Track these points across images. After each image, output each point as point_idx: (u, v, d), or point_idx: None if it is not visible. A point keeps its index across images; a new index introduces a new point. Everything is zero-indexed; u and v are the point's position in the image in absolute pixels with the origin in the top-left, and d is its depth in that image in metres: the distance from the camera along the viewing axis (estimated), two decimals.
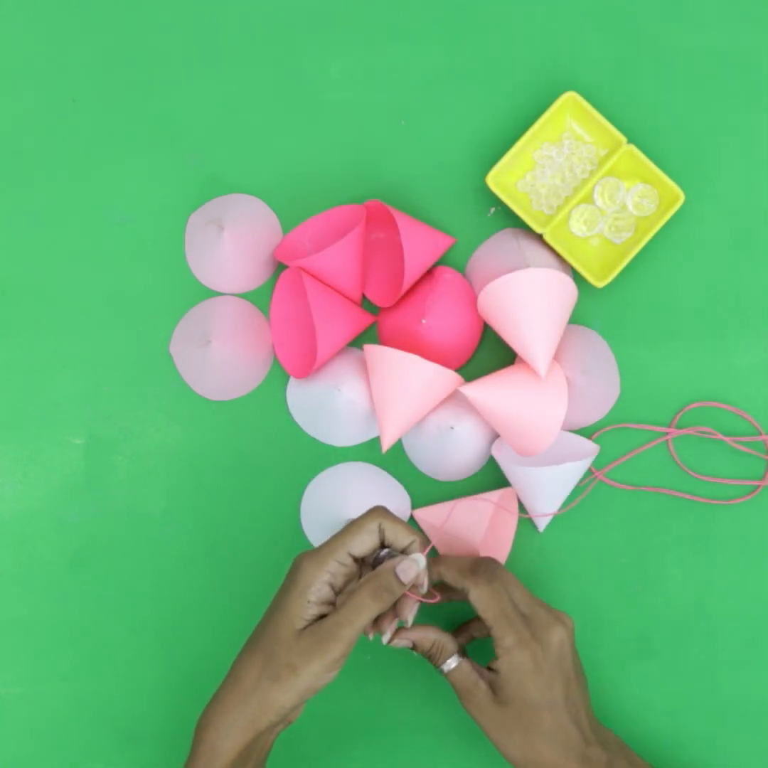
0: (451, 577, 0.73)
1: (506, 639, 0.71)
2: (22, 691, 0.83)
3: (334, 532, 0.81)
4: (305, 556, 0.68)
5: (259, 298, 0.84)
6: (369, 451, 0.83)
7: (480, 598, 0.71)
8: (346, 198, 0.83)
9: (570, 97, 0.80)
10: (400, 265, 0.82)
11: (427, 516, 0.81)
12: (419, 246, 0.79)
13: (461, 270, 0.83)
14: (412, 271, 0.79)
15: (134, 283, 0.84)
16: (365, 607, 0.66)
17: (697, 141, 0.84)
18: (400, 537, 0.68)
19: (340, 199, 0.83)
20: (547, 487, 0.78)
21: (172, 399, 0.84)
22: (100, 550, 0.83)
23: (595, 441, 0.82)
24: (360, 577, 0.70)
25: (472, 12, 0.84)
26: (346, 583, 0.69)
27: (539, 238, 0.81)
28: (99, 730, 0.83)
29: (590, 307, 0.83)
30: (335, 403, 0.81)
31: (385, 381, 0.78)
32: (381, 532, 0.68)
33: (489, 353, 0.83)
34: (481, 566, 0.74)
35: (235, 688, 0.67)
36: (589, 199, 0.82)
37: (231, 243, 0.81)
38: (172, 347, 0.83)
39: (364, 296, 0.84)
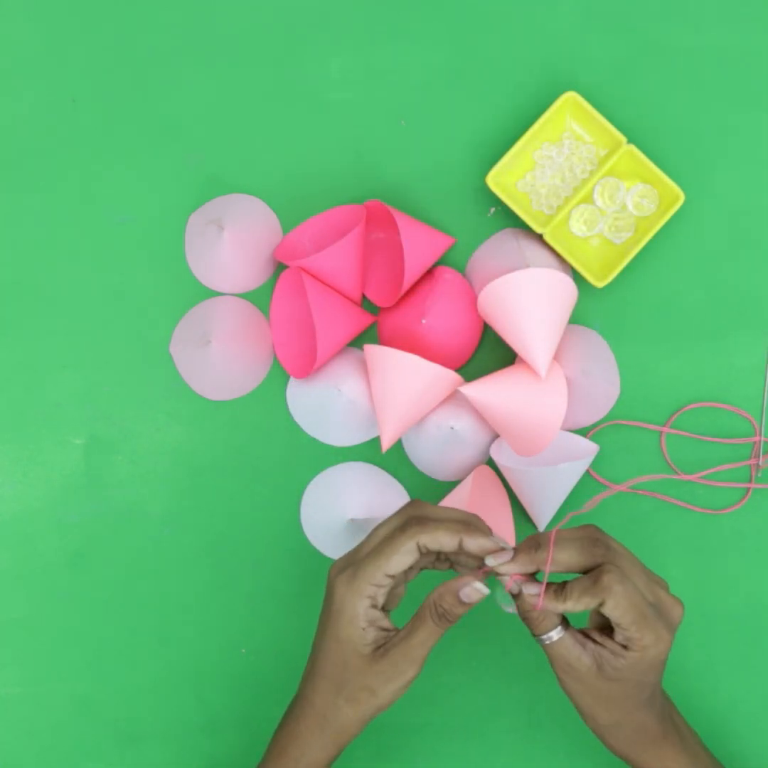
0: (574, 598, 0.64)
1: (645, 639, 0.64)
2: (22, 691, 0.83)
3: (333, 534, 0.82)
4: (340, 581, 0.65)
5: (259, 298, 0.84)
6: (369, 451, 0.83)
7: (617, 605, 0.63)
8: (346, 198, 0.83)
9: (570, 97, 0.80)
10: (400, 265, 0.82)
11: None
12: (419, 246, 0.79)
13: (461, 270, 0.83)
14: (412, 271, 0.79)
15: (134, 283, 0.84)
16: (430, 630, 0.65)
17: (697, 141, 0.84)
18: (445, 544, 0.64)
19: (340, 199, 0.83)
20: (547, 486, 0.78)
21: (172, 399, 0.84)
22: (100, 550, 0.83)
23: (592, 439, 0.82)
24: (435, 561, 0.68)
25: (472, 12, 0.84)
26: (398, 593, 0.68)
27: (539, 238, 0.81)
28: (99, 730, 0.83)
29: (590, 307, 0.83)
30: (335, 403, 0.81)
31: (385, 381, 0.78)
32: (422, 548, 0.65)
33: (489, 353, 0.83)
34: (599, 563, 0.65)
35: (312, 711, 0.67)
36: (589, 199, 0.82)
37: (231, 243, 0.81)
38: (172, 347, 0.83)
39: (364, 296, 0.84)
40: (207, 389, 0.83)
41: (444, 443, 0.81)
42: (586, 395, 0.80)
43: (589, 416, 0.82)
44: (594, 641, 0.66)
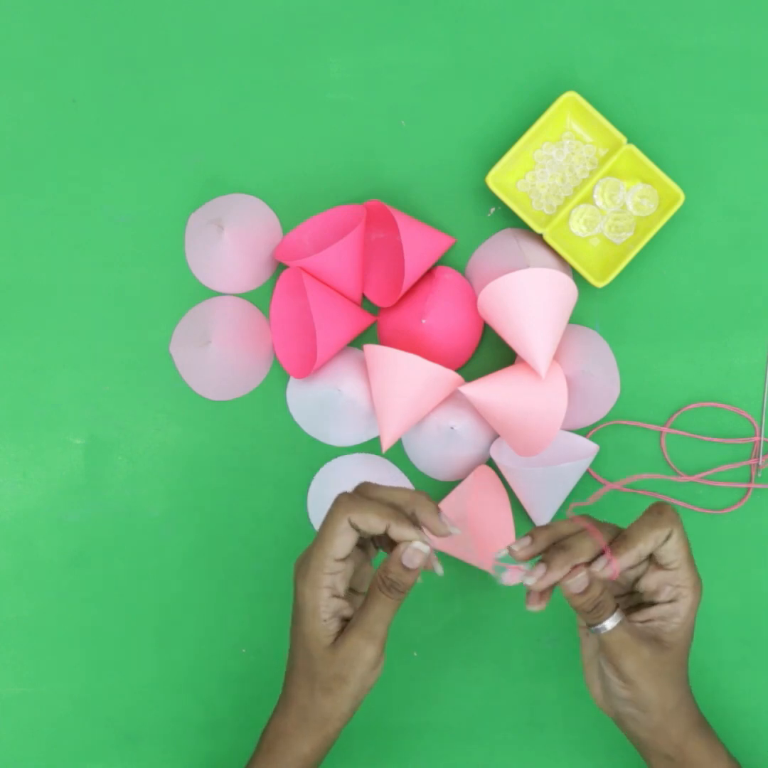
0: (643, 537, 0.66)
1: (694, 577, 0.68)
2: (23, 691, 0.83)
3: None
4: (298, 575, 0.67)
5: (259, 298, 0.84)
6: (369, 451, 0.83)
7: (681, 537, 0.66)
8: (346, 198, 0.83)
9: (570, 97, 0.80)
10: (400, 265, 0.82)
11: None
12: (419, 246, 0.79)
13: (461, 270, 0.83)
14: (412, 271, 0.79)
15: (134, 283, 0.84)
16: (383, 603, 0.66)
17: (697, 141, 0.84)
18: (373, 526, 0.65)
19: (340, 199, 0.83)
20: (547, 486, 0.78)
21: (172, 399, 0.84)
22: (100, 550, 0.83)
23: (591, 439, 0.82)
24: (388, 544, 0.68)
25: (472, 12, 0.84)
26: (359, 575, 0.69)
27: (539, 238, 0.81)
28: (99, 730, 0.83)
29: (590, 307, 0.83)
30: (335, 403, 0.81)
31: (385, 381, 0.78)
32: (355, 527, 0.65)
33: (489, 353, 0.83)
34: (655, 512, 0.68)
35: (293, 706, 0.68)
36: (589, 199, 0.82)
37: (231, 243, 0.81)
38: (172, 347, 0.83)
39: (364, 296, 0.84)
40: (207, 389, 0.83)
41: (444, 443, 0.81)
42: (586, 395, 0.80)
43: (589, 416, 0.82)
44: (643, 622, 0.68)
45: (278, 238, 0.83)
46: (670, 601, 0.68)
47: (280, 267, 0.84)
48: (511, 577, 0.66)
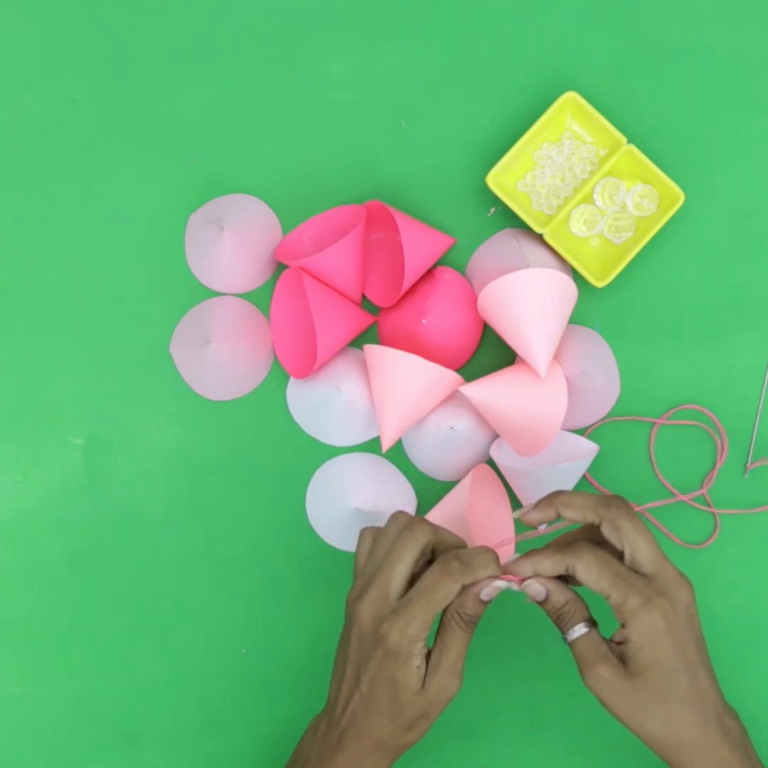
0: (544, 554, 0.67)
1: (629, 601, 0.64)
2: (23, 691, 0.83)
3: (339, 523, 0.81)
4: (392, 628, 0.65)
5: (259, 298, 0.84)
6: (369, 451, 0.83)
7: (588, 568, 0.65)
8: (346, 198, 0.83)
9: (570, 97, 0.80)
10: (400, 265, 0.82)
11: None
12: (419, 246, 0.79)
13: (461, 270, 0.83)
14: (412, 271, 0.79)
15: (134, 283, 0.84)
16: (461, 639, 0.67)
17: (697, 141, 0.84)
18: (482, 576, 0.66)
19: (340, 199, 0.83)
20: (547, 486, 0.78)
21: (172, 399, 0.84)
22: (100, 550, 0.83)
23: (591, 438, 0.82)
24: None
25: (472, 12, 0.84)
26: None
27: (539, 238, 0.81)
28: (99, 730, 0.83)
29: (590, 307, 0.83)
30: (335, 403, 0.81)
31: (385, 381, 0.78)
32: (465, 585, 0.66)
33: (489, 353, 0.83)
34: (571, 540, 0.69)
35: (368, 741, 0.68)
36: (589, 199, 0.82)
37: (231, 243, 0.81)
38: (172, 347, 0.83)
39: (364, 296, 0.84)
40: (207, 389, 0.83)
41: (444, 443, 0.81)
42: (586, 395, 0.80)
43: (589, 416, 0.82)
44: (613, 642, 0.67)
45: (278, 238, 0.83)
46: (621, 626, 0.65)
47: (280, 267, 0.84)
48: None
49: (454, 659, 0.66)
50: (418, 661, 0.66)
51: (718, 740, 0.66)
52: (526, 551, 0.68)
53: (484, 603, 0.67)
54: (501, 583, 0.67)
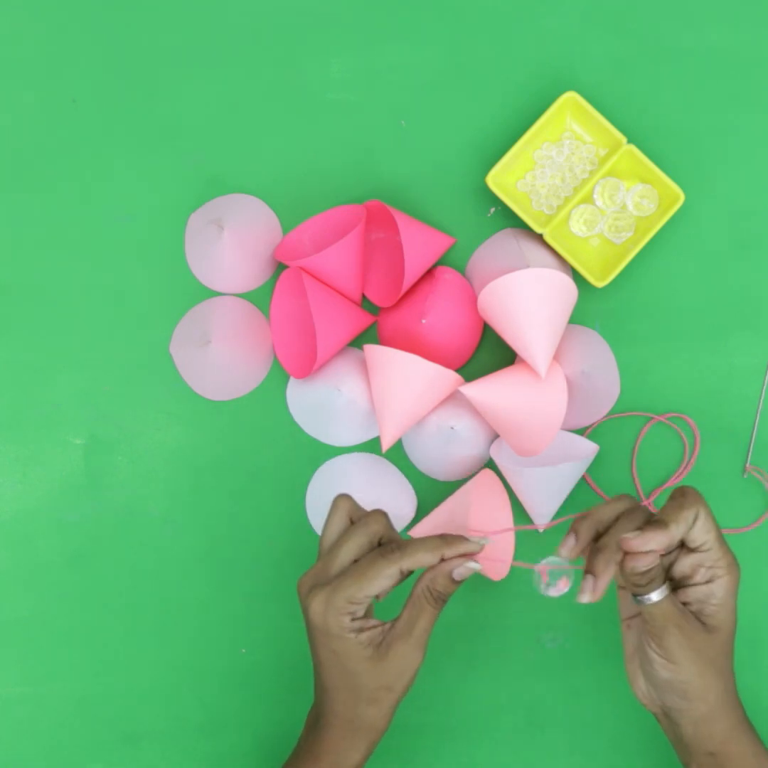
0: (673, 519, 0.65)
1: (726, 558, 0.67)
2: (23, 691, 0.83)
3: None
4: (315, 600, 0.66)
5: (259, 298, 0.84)
6: (369, 451, 0.83)
7: (708, 517, 0.65)
8: (346, 198, 0.83)
9: (570, 97, 0.80)
10: (400, 265, 0.82)
11: (422, 532, 0.81)
12: (419, 246, 0.79)
13: (461, 270, 0.83)
14: (412, 271, 0.79)
15: (134, 283, 0.84)
16: (428, 613, 0.67)
17: (697, 141, 0.84)
18: (426, 563, 0.66)
19: (340, 199, 0.83)
20: (547, 486, 0.78)
21: (172, 399, 0.84)
22: (100, 550, 0.83)
23: (590, 438, 0.82)
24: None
25: (471, 12, 0.84)
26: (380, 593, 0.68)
27: (539, 238, 0.81)
28: (99, 730, 0.83)
29: (590, 307, 0.83)
30: (335, 403, 0.81)
31: (385, 381, 0.78)
32: (404, 572, 0.66)
33: (489, 353, 0.83)
34: (679, 495, 0.67)
35: (336, 721, 0.68)
36: (589, 199, 0.82)
37: (231, 243, 0.81)
38: (172, 347, 0.83)
39: (364, 296, 0.84)
40: (207, 389, 0.83)
41: (444, 443, 0.81)
42: (586, 395, 0.80)
43: (589, 416, 0.82)
44: (683, 603, 0.67)
45: (278, 238, 0.83)
46: (706, 583, 0.67)
47: (280, 267, 0.84)
48: (558, 590, 0.67)
49: (419, 632, 0.67)
50: (352, 633, 0.66)
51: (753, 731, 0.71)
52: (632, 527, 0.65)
53: (456, 583, 0.67)
54: (474, 565, 0.67)
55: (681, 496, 0.66)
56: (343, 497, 0.71)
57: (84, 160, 0.84)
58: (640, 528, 0.64)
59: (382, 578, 0.66)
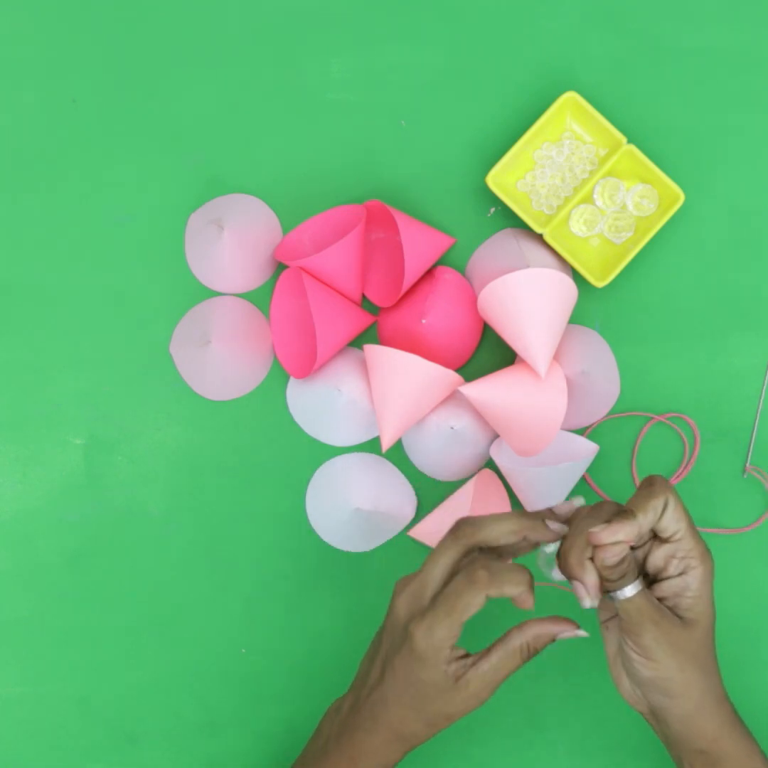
0: (641, 508, 0.64)
1: (699, 547, 0.66)
2: (23, 691, 0.83)
3: (339, 524, 0.81)
4: (418, 631, 0.65)
5: (259, 298, 0.84)
6: (369, 451, 0.83)
7: (678, 506, 0.65)
8: (346, 198, 0.83)
9: (570, 97, 0.80)
10: (400, 265, 0.82)
11: (422, 532, 0.81)
12: (419, 246, 0.79)
13: (461, 270, 0.83)
14: (412, 271, 0.79)
15: (134, 283, 0.84)
16: (517, 664, 0.67)
17: (697, 141, 0.84)
18: (509, 593, 0.66)
19: (340, 199, 0.83)
20: (547, 486, 0.78)
21: (172, 399, 0.84)
22: (100, 550, 0.83)
23: (590, 438, 0.82)
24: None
25: (472, 12, 0.84)
26: None
27: (539, 238, 0.81)
28: (99, 730, 0.83)
29: (590, 307, 0.83)
30: (335, 403, 0.81)
31: (385, 381, 0.78)
32: (487, 597, 0.65)
33: (489, 353, 0.83)
34: (648, 485, 0.66)
35: (386, 729, 0.68)
36: (589, 199, 0.82)
37: (231, 243, 0.81)
38: (172, 347, 0.83)
39: (364, 296, 0.84)
40: (207, 389, 0.83)
41: (444, 443, 0.81)
42: (586, 395, 0.80)
43: (589, 416, 0.82)
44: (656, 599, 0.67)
45: (278, 238, 0.83)
46: (680, 574, 0.66)
47: (280, 267, 0.84)
48: (558, 573, 0.67)
49: (500, 678, 0.66)
50: (444, 664, 0.65)
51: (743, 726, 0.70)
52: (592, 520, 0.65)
53: (553, 641, 0.67)
54: (582, 634, 0.67)
55: (648, 486, 0.65)
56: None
57: (84, 160, 0.84)
58: (608, 521, 0.64)
59: (473, 607, 0.65)
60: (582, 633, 0.67)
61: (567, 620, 0.66)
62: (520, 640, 0.66)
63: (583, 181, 0.82)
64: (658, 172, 0.80)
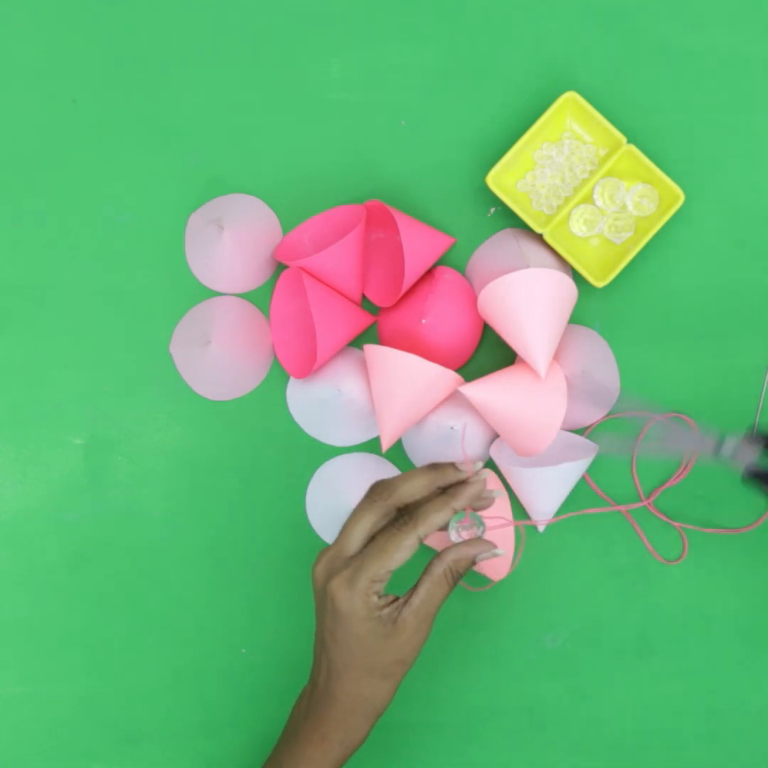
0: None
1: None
2: (23, 691, 0.83)
3: (341, 521, 0.82)
4: (338, 586, 0.67)
5: (259, 298, 0.84)
6: (369, 451, 0.83)
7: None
8: (346, 198, 0.83)
9: (570, 97, 0.80)
10: (400, 265, 0.82)
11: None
12: (419, 246, 0.79)
13: (461, 270, 0.83)
14: (412, 271, 0.79)
15: (134, 283, 0.84)
16: (444, 591, 0.69)
17: (697, 141, 0.84)
18: (441, 522, 0.68)
19: (340, 199, 0.83)
20: (547, 486, 0.78)
21: (172, 399, 0.84)
22: (100, 550, 0.83)
23: (589, 438, 0.82)
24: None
25: (471, 12, 0.84)
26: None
27: (539, 238, 0.81)
28: (99, 730, 0.83)
29: (590, 307, 0.83)
30: (335, 403, 0.81)
31: (385, 381, 0.78)
32: (418, 538, 0.68)
33: (489, 353, 0.83)
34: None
35: (346, 698, 0.69)
36: (589, 199, 0.82)
37: (231, 243, 0.81)
38: (172, 347, 0.83)
39: (364, 296, 0.84)
40: (207, 389, 0.83)
41: (444, 443, 0.81)
42: (586, 395, 0.80)
43: (589, 416, 0.82)
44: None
45: (278, 238, 0.83)
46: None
47: (280, 267, 0.84)
48: (465, 537, 0.71)
49: (433, 609, 0.68)
50: (376, 611, 0.67)
51: None
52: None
53: (475, 564, 0.70)
54: (499, 552, 0.69)
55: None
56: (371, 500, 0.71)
57: (84, 160, 0.84)
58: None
59: (403, 550, 0.67)
60: (499, 551, 0.70)
61: (483, 541, 0.69)
62: (442, 566, 0.69)
63: (583, 181, 0.82)
64: (658, 172, 0.80)
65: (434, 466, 0.70)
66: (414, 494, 0.69)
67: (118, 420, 0.84)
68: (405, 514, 0.69)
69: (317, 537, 0.83)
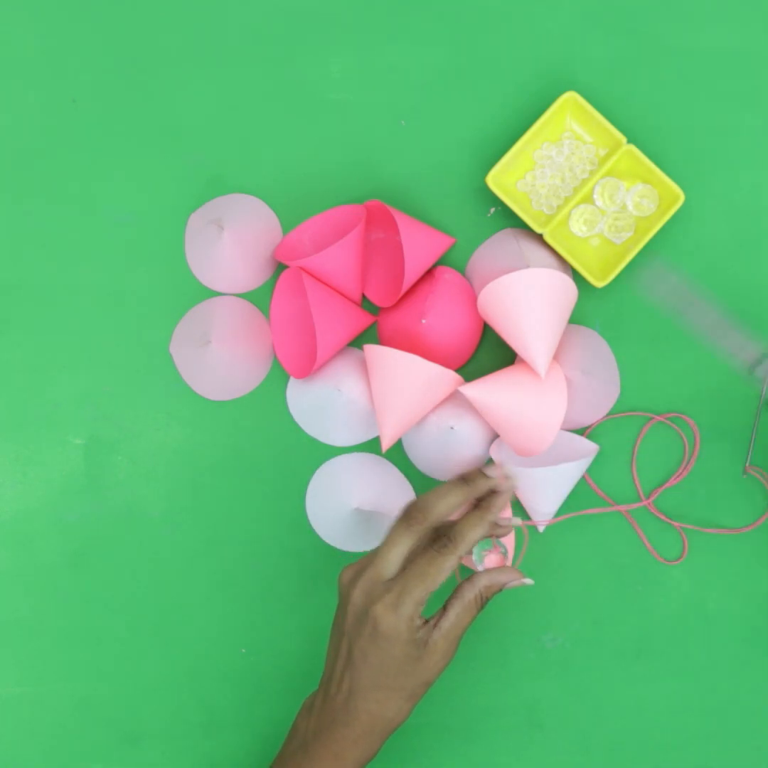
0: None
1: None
2: (23, 691, 0.83)
3: (339, 524, 0.82)
4: (383, 609, 0.68)
5: (259, 298, 0.84)
6: (369, 451, 0.83)
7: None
8: (346, 198, 0.83)
9: (570, 97, 0.80)
10: (400, 265, 0.82)
11: None
12: (419, 246, 0.79)
13: (461, 270, 0.83)
14: (412, 271, 0.79)
15: (134, 283, 0.84)
16: (473, 614, 0.70)
17: (697, 141, 0.84)
18: (477, 537, 0.70)
19: (340, 199, 0.83)
20: (547, 487, 0.78)
21: (172, 399, 0.84)
22: (100, 550, 0.83)
23: (590, 438, 0.82)
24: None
25: (472, 12, 0.84)
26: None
27: (539, 238, 0.81)
28: (99, 730, 0.83)
29: (590, 307, 0.83)
30: (335, 403, 0.81)
31: (385, 381, 0.78)
32: (459, 559, 0.69)
33: (489, 353, 0.83)
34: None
35: (368, 717, 0.70)
36: (589, 199, 0.82)
37: (231, 243, 0.81)
38: (172, 347, 0.83)
39: (364, 296, 0.84)
40: (207, 389, 0.83)
41: (444, 443, 0.81)
42: (586, 395, 0.80)
43: (589, 416, 0.82)
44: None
45: (278, 238, 0.83)
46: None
47: (280, 267, 0.84)
48: (491, 561, 0.73)
49: (461, 631, 0.69)
50: (414, 635, 0.68)
51: None
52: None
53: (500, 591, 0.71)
54: (528, 582, 0.71)
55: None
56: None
57: (84, 160, 0.84)
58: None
59: (444, 572, 0.68)
60: (528, 581, 0.71)
61: (513, 569, 0.71)
62: (472, 592, 0.70)
63: (583, 181, 0.82)
64: (658, 172, 0.80)
65: (464, 479, 0.72)
66: (450, 514, 0.71)
67: (118, 420, 0.84)
68: (441, 533, 0.70)
69: (317, 537, 0.83)
